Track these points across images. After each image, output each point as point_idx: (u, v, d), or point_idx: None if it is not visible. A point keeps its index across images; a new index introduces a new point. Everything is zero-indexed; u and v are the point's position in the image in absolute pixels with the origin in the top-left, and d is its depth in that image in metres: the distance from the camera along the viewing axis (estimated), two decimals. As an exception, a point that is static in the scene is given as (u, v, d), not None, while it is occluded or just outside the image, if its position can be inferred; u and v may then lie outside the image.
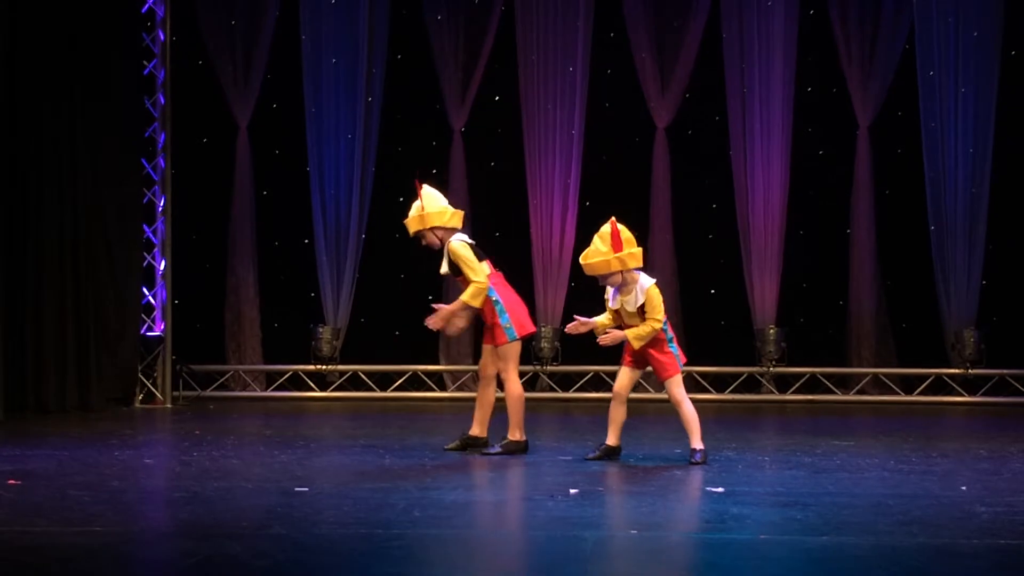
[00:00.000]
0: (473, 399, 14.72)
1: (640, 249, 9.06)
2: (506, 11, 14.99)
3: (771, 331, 14.65)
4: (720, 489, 7.60)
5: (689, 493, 7.70)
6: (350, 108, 14.88)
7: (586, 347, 14.56)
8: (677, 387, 8.97)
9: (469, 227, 15.13)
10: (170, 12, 14.45)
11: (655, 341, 8.94)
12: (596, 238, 9.03)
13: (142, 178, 14.13)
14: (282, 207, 15.32)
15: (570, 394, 14.80)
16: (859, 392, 14.81)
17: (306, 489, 7.48)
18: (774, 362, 14.68)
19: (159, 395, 14.13)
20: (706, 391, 14.68)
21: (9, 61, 11.94)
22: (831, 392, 14.81)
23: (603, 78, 15.10)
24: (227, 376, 15.14)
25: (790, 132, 14.81)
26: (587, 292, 14.85)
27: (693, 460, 8.82)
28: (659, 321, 8.87)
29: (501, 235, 15.22)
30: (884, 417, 13.38)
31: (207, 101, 15.01)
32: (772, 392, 14.81)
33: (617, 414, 9.07)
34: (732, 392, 14.81)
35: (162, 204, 14.37)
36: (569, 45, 14.85)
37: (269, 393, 15.02)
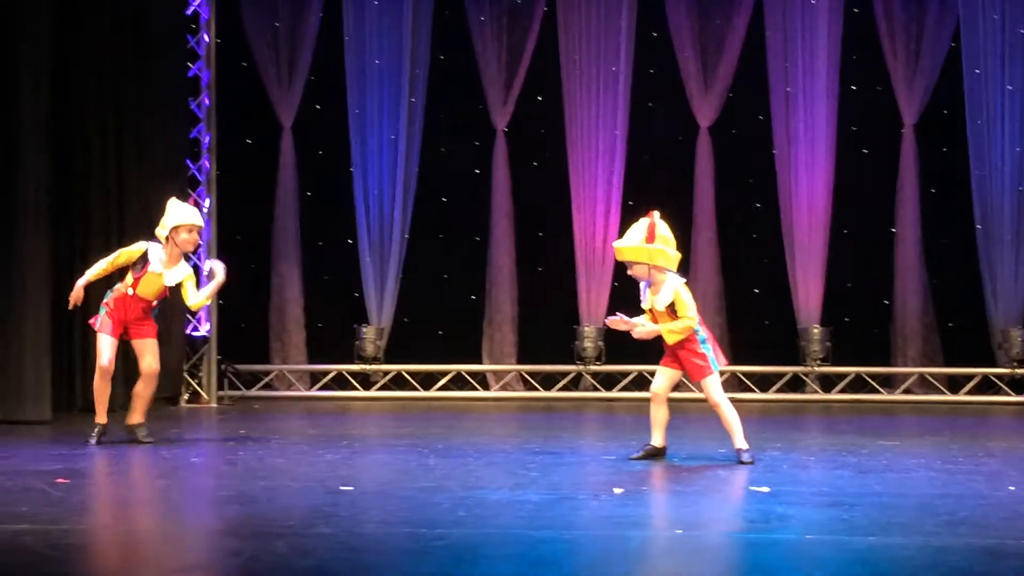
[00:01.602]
0: (514, 399, 14.83)
1: (678, 255, 8.97)
2: (548, 11, 14.99)
3: (816, 330, 14.59)
4: (765, 489, 7.57)
5: (734, 493, 7.67)
6: (393, 109, 14.93)
7: (629, 346, 14.55)
8: (714, 389, 8.89)
9: (514, 227, 15.23)
10: (215, 14, 14.55)
11: (686, 341, 8.88)
12: (634, 225, 8.99)
13: (187, 179, 14.21)
14: (326, 207, 15.38)
15: (613, 393, 14.78)
16: (905, 392, 14.73)
17: (351, 488, 7.50)
18: (819, 362, 14.62)
19: (204, 395, 14.23)
20: (750, 390, 14.63)
21: (54, 63, 12.02)
22: (876, 392, 14.73)
23: (646, 77, 15.08)
24: (271, 376, 15.21)
25: (834, 131, 14.74)
26: (629, 292, 14.88)
27: (742, 460, 8.77)
28: (692, 319, 8.81)
29: (544, 234, 15.25)
30: (930, 417, 13.29)
31: (251, 102, 15.09)
32: (817, 392, 14.74)
33: (658, 415, 9.03)
34: (776, 392, 14.75)
35: (207, 205, 14.45)
36: (612, 44, 14.85)
37: (313, 393, 15.07)
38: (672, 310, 8.84)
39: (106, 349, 9.86)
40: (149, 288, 9.92)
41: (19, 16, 11.64)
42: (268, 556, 5.44)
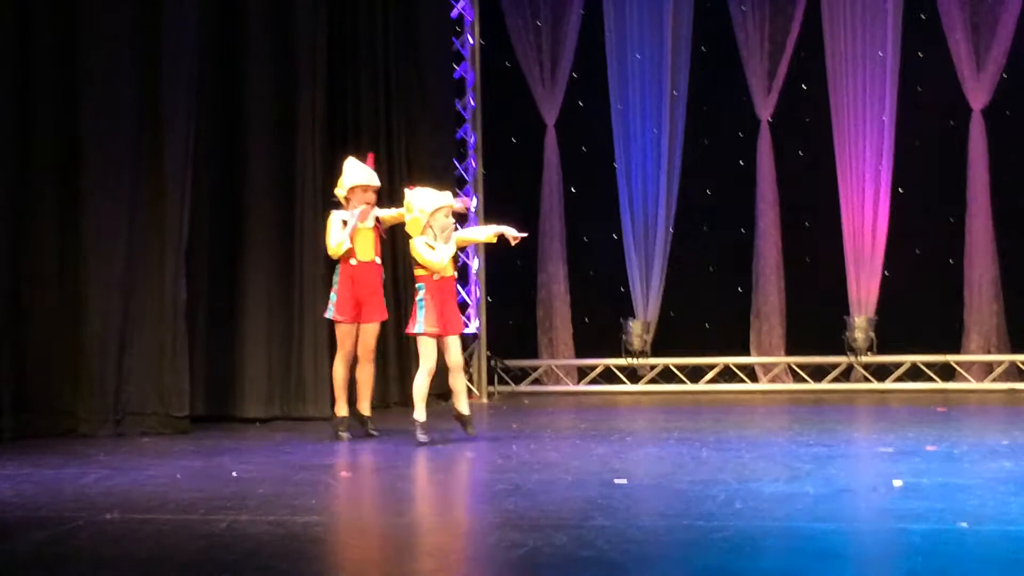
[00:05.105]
0: (783, 391, 14.63)
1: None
2: (812, -3, 14.81)
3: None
4: (1054, 481, 7.30)
5: (1021, 484, 7.41)
6: (655, 102, 14.96)
7: (903, 336, 14.25)
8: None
9: (780, 218, 15.04)
10: (478, 16, 14.84)
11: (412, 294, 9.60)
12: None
13: (455, 179, 14.50)
14: (590, 203, 15.51)
15: (886, 385, 14.46)
16: None
17: (625, 481, 7.53)
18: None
19: (475, 390, 14.49)
20: (1032, 379, 14.11)
21: (328, 67, 12.42)
22: None
23: (914, 61, 14.72)
24: (540, 371, 15.41)
25: (1119, 109, 14.14)
26: (901, 281, 14.55)
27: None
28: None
29: (811, 225, 15.05)
30: None
31: (515, 102, 15.33)
32: None
33: (457, 384, 10.08)
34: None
35: (474, 204, 14.72)
36: (878, 29, 14.57)
37: (581, 387, 15.20)
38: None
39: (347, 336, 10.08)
40: (366, 245, 9.98)
41: (296, 23, 12.08)
42: (549, 548, 5.51)
